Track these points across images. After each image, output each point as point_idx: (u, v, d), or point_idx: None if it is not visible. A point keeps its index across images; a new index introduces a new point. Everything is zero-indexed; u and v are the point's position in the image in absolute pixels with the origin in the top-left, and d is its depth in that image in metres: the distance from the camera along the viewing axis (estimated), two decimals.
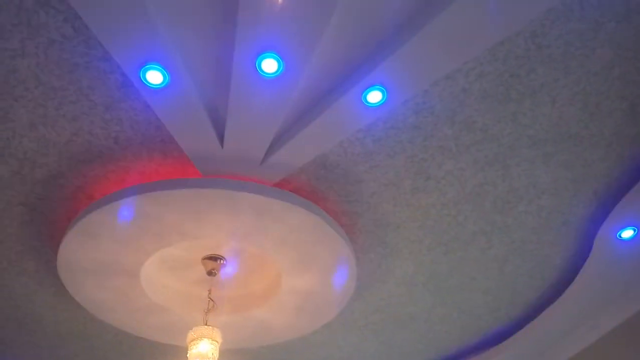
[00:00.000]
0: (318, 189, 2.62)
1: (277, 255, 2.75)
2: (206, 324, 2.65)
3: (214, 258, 2.86)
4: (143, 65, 1.95)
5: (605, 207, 2.76)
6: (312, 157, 2.40)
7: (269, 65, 2.04)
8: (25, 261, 2.90)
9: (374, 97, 2.15)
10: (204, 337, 2.52)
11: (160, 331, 3.27)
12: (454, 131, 2.37)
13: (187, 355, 2.51)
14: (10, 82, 2.05)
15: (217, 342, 2.56)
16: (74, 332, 3.53)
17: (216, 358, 2.53)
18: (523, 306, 3.48)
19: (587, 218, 2.84)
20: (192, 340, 2.53)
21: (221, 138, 2.27)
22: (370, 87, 2.11)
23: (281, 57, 2.00)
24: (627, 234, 2.79)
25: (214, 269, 2.87)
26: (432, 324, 3.59)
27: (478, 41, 1.98)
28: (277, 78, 2.07)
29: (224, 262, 2.89)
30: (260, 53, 1.99)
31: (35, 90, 2.09)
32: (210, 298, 2.79)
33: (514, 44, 2.05)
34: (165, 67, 1.98)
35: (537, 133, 2.42)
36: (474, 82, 2.18)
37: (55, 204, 2.59)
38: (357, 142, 2.40)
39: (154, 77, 2.00)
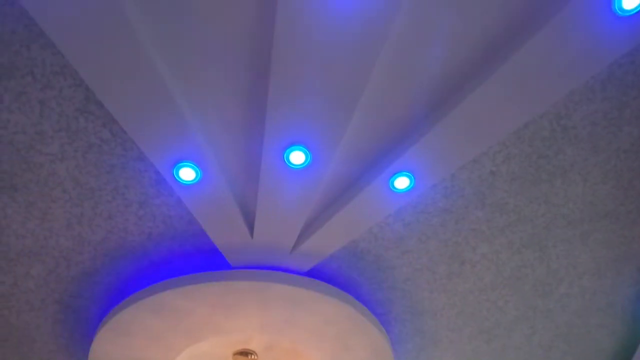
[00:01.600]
0: (350, 277, 2.57)
1: (310, 349, 2.65)
2: None
3: (245, 353, 2.77)
4: (176, 163, 2.02)
5: None
6: (343, 244, 2.38)
7: (297, 157, 2.08)
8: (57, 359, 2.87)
9: (402, 183, 2.16)
10: None
11: None
12: (486, 213, 2.33)
13: None
14: (49, 185, 2.14)
15: None
16: None
17: None
18: None
19: (633, 298, 2.69)
20: None
21: (251, 229, 2.28)
22: (397, 173, 2.12)
23: (308, 149, 2.05)
24: None
25: None
26: None
27: (502, 125, 2.00)
28: (304, 169, 2.11)
29: (256, 357, 2.79)
30: (288, 146, 2.05)
31: (73, 191, 2.17)
32: None
33: (539, 126, 2.06)
34: (198, 164, 2.04)
35: (572, 212, 2.36)
36: (502, 165, 2.18)
37: (89, 301, 2.60)
38: (388, 228, 2.37)
39: (187, 174, 2.06)
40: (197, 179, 2.10)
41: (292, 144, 2.03)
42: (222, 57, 1.80)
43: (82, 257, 2.41)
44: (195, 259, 2.45)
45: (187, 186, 2.12)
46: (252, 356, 2.77)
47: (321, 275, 2.54)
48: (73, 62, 1.66)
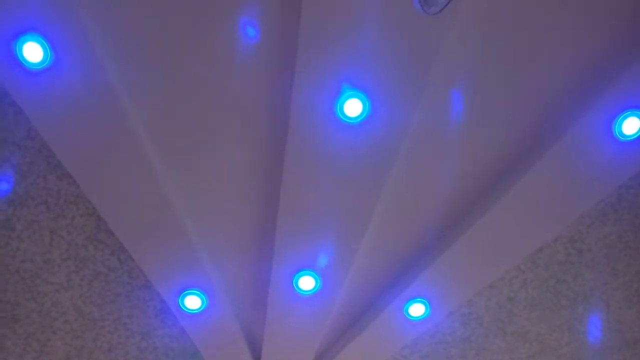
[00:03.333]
0: None
1: None
2: None
3: None
4: (182, 291, 1.97)
5: None
6: None
7: (306, 283, 2.02)
8: None
9: (417, 310, 2.07)
10: None
11: None
12: (508, 343, 2.20)
13: None
14: (51, 315, 2.08)
15: None
16: None
17: None
18: None
19: None
20: None
21: None
22: (411, 299, 2.04)
23: (318, 274, 2.00)
24: None
25: None
26: None
27: (515, 249, 1.96)
28: (314, 295, 2.04)
29: None
30: (297, 271, 2.00)
31: (75, 322, 2.10)
32: None
33: (553, 250, 2.02)
34: (204, 292, 1.99)
35: (598, 340, 2.22)
36: (519, 290, 2.10)
37: None
38: None
39: (193, 302, 2.00)
40: (202, 307, 2.03)
41: (302, 269, 1.99)
42: (231, 184, 1.83)
43: None
44: None
45: (192, 315, 2.04)
46: None
47: None
48: (87, 192, 1.70)
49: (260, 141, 1.73)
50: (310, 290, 2.04)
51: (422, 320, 2.09)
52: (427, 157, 1.77)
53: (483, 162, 1.80)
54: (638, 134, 1.68)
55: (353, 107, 1.57)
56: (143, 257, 1.88)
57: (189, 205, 1.81)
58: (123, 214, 1.76)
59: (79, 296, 2.04)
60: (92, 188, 1.70)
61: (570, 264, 2.04)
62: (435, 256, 1.99)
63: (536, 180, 1.74)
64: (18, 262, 1.97)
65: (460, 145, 1.77)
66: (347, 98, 1.56)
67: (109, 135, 1.56)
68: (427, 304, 2.05)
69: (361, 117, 1.58)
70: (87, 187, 1.69)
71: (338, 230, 1.93)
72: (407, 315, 2.09)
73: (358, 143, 1.65)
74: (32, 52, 1.37)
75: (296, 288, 2.04)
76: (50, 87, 1.45)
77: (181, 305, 2.02)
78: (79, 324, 2.10)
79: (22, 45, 1.37)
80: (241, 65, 1.57)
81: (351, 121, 1.59)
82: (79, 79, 1.44)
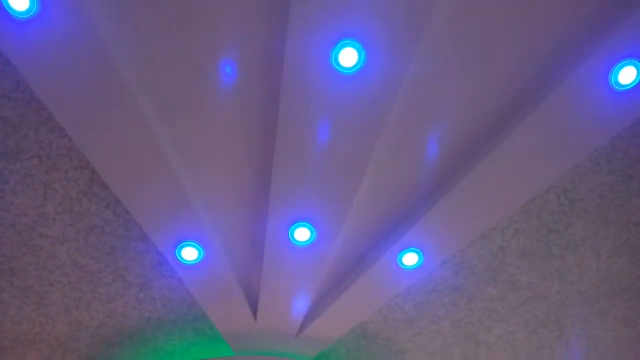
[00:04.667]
0: None
1: None
2: None
3: None
4: (179, 243, 1.98)
5: None
6: (351, 326, 2.28)
7: (302, 234, 2.04)
8: None
9: (410, 259, 2.10)
10: None
11: None
12: (499, 291, 2.25)
13: None
14: (48, 268, 2.09)
15: None
16: None
17: None
18: None
19: None
20: None
21: (255, 312, 2.20)
22: (405, 249, 2.07)
23: (313, 225, 2.02)
24: None
25: None
26: None
27: (508, 199, 1.98)
28: (309, 246, 2.06)
29: None
30: (293, 223, 2.01)
31: (72, 274, 2.12)
32: None
33: (546, 200, 2.04)
34: (201, 243, 2.00)
35: (587, 289, 2.28)
36: (511, 240, 2.13)
37: None
38: (397, 308, 2.28)
39: (190, 253, 2.02)
40: (199, 259, 2.05)
41: (297, 221, 2.00)
42: (226, 135, 1.82)
43: (78, 343, 2.30)
44: (195, 345, 2.34)
45: (189, 266, 2.06)
46: None
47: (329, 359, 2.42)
48: (80, 145, 1.68)
49: (255, 92, 1.70)
50: (306, 242, 2.06)
51: (416, 269, 2.13)
52: (423, 107, 1.75)
53: (478, 112, 1.79)
54: (634, 84, 1.67)
55: (348, 57, 1.54)
56: (138, 210, 1.88)
57: (183, 157, 1.80)
58: (116, 166, 1.74)
59: (75, 249, 2.05)
60: (84, 140, 1.67)
61: (562, 213, 2.07)
62: (429, 206, 2.00)
63: (531, 131, 1.74)
64: (13, 215, 1.96)
65: (456, 96, 1.75)
66: (342, 47, 1.53)
67: (100, 85, 1.53)
68: (421, 253, 2.08)
69: (356, 67, 1.55)
70: (80, 140, 1.67)
71: (333, 182, 1.93)
72: (400, 265, 2.12)
73: (353, 93, 1.63)
74: None
75: (292, 239, 2.06)
76: (38, 37, 1.40)
77: (178, 257, 2.03)
78: (77, 276, 2.12)
79: None
80: (234, 15, 1.53)
81: (346, 71, 1.56)
82: (67, 28, 1.40)
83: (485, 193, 1.94)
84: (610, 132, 1.76)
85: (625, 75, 1.65)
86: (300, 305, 2.19)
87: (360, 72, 1.55)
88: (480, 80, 1.70)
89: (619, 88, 1.67)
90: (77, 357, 2.35)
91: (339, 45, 1.51)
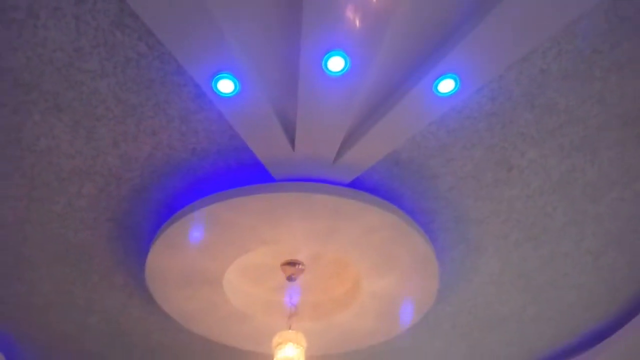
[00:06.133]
0: (393, 187, 2.56)
1: (355, 258, 2.71)
2: (290, 329, 2.65)
3: (292, 263, 2.86)
4: (214, 75, 2.00)
5: None
6: (385, 154, 2.35)
7: (336, 64, 2.01)
8: (114, 275, 3.04)
9: (446, 86, 2.07)
10: (289, 342, 2.52)
11: (245, 339, 3.32)
12: (535, 116, 2.23)
13: None
14: (92, 103, 2.17)
15: (302, 346, 2.55)
16: (163, 344, 3.65)
17: None
18: (622, 302, 3.22)
19: None
20: (277, 345, 2.54)
21: (292, 141, 2.27)
22: (441, 76, 2.03)
23: (347, 54, 1.98)
24: None
25: (293, 275, 2.88)
26: (523, 325, 3.40)
27: (553, 20, 1.86)
28: (344, 76, 2.05)
29: (303, 268, 2.88)
30: (326, 52, 1.98)
31: (116, 108, 2.19)
32: (292, 304, 2.79)
33: (594, 19, 1.91)
34: (236, 76, 2.01)
35: (628, 112, 2.23)
36: (553, 62, 2.05)
37: (140, 218, 2.70)
38: (431, 136, 2.32)
39: (226, 86, 2.04)
40: (236, 91, 2.08)
41: (331, 49, 1.96)
42: None
43: (130, 174, 2.48)
44: (239, 173, 2.48)
45: (227, 99, 2.10)
46: (299, 266, 2.86)
47: (364, 186, 2.54)
48: None
49: None
50: (340, 71, 2.04)
51: (451, 95, 2.11)
52: None
53: None
54: None
55: None
56: (170, 40, 1.87)
57: None
58: None
59: (115, 83, 2.10)
60: None
61: (609, 33, 1.95)
62: (468, 30, 1.91)
63: None
64: (50, 52, 1.98)
65: None
66: None
67: None
68: (457, 79, 2.04)
69: None
70: None
71: (368, 8, 1.84)
72: (436, 92, 2.10)
73: None
74: None
75: (326, 69, 2.04)
76: None
77: (215, 89, 2.06)
78: (120, 110, 2.20)
79: None
80: None
81: None
82: None
83: (528, 14, 1.82)
84: None
85: None
86: (335, 134, 2.24)
87: None
88: None
89: None
90: (130, 187, 2.54)
91: None
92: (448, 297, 3.16)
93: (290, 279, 2.89)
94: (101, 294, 3.18)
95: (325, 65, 2.02)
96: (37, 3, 1.83)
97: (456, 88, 2.08)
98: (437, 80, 2.05)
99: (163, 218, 2.69)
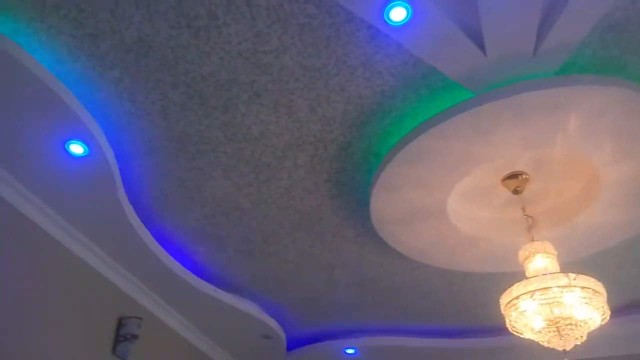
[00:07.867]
0: (612, 59, 2.22)
1: (586, 150, 2.44)
2: (532, 241, 2.53)
3: (514, 176, 2.71)
4: (385, 5, 1.94)
5: None
6: (592, 25, 2.04)
7: None
8: (345, 230, 3.25)
9: None
10: (537, 253, 2.40)
11: (483, 262, 3.29)
12: None
13: (526, 274, 2.43)
14: (283, 79, 2.30)
15: (552, 254, 2.41)
16: (405, 283, 3.81)
17: (557, 270, 2.38)
18: None
19: None
20: (525, 259, 2.44)
21: (482, 46, 2.11)
22: None
23: None
24: None
25: (518, 187, 2.73)
26: None
27: None
28: None
29: (527, 177, 2.71)
30: None
31: (304, 77, 2.29)
32: (527, 215, 2.65)
33: None
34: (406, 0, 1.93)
35: None
36: None
37: (353, 171, 2.82)
38: None
39: (398, 14, 1.98)
40: (408, 17, 2.00)
41: None
42: None
43: (332, 135, 2.58)
44: (434, 100, 2.40)
45: (402, 27, 2.04)
46: (523, 176, 2.69)
47: (576, 69, 2.25)
48: None
49: None
50: None
51: None
52: None
53: None
54: None
55: None
56: None
57: None
58: None
59: (297, 54, 2.18)
60: None
61: None
62: None
63: None
64: (235, 45, 2.14)
65: None
66: None
67: None
68: None
69: None
70: None
71: None
72: None
73: None
74: None
75: None
76: None
77: (387, 20, 2.02)
78: (308, 77, 2.29)
79: None
80: None
81: None
82: None
83: None
84: None
85: None
86: (529, 20, 2.01)
87: None
88: None
89: None
90: (336, 146, 2.65)
91: None
92: None
93: (515, 192, 2.74)
94: (338, 249, 3.43)
95: None
96: (212, 4, 1.98)
97: None
98: None
99: (374, 165, 2.76)
